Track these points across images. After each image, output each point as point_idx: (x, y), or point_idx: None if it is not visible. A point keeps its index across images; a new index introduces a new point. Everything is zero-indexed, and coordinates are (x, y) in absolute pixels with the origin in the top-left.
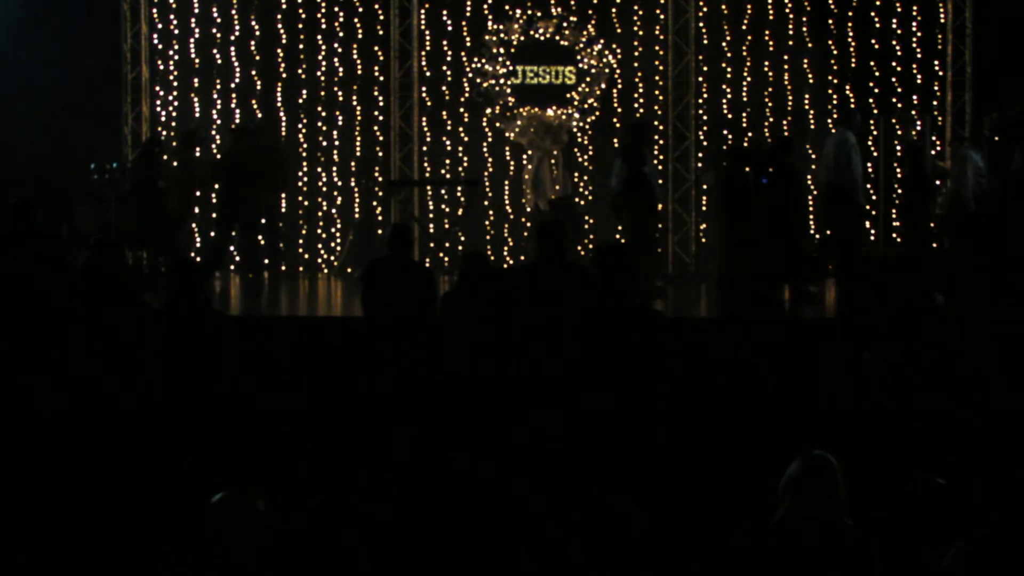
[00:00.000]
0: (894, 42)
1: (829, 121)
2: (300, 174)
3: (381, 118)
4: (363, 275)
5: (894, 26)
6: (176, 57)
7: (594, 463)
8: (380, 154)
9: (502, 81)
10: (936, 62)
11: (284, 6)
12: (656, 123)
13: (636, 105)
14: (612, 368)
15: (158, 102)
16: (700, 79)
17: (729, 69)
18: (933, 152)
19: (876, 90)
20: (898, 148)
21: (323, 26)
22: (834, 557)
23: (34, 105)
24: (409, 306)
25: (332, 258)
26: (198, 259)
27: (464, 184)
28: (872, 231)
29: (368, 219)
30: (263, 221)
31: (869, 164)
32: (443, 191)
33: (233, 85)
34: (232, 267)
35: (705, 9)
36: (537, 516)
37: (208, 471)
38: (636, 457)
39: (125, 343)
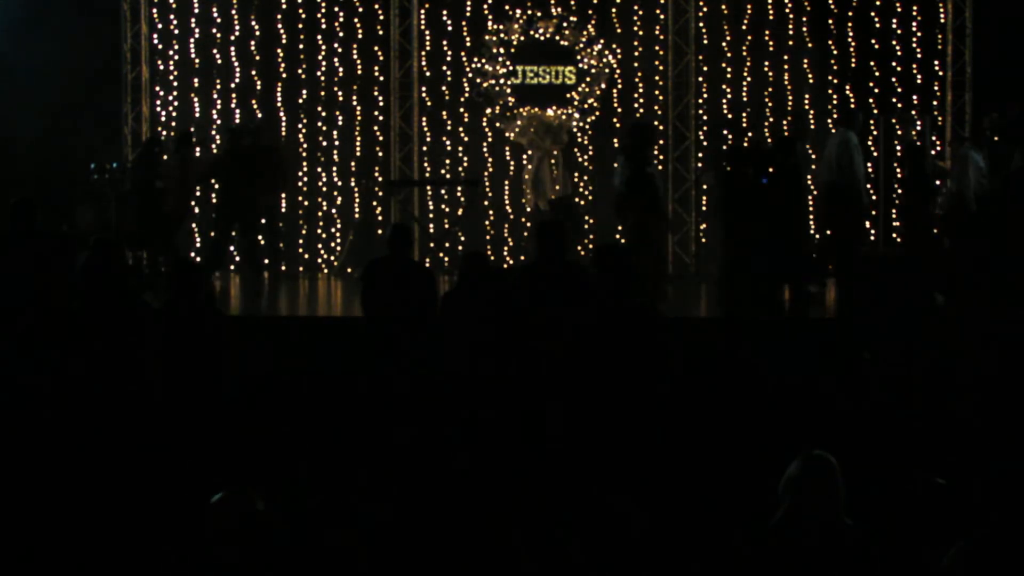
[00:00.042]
0: (894, 42)
1: (829, 121)
2: (300, 174)
3: (381, 118)
4: (363, 275)
5: (894, 26)
6: (176, 57)
7: (594, 463)
8: (380, 154)
9: (502, 81)
10: (936, 62)
11: (284, 6)
12: (656, 123)
13: (636, 105)
14: (612, 368)
15: (158, 102)
16: (700, 79)
17: (729, 69)
18: (933, 152)
19: (876, 90)
20: (898, 148)
21: (323, 26)
22: (834, 557)
23: (34, 105)
24: (409, 306)
25: (332, 258)
26: (198, 259)
27: (464, 184)
28: (872, 231)
29: (368, 219)
30: (263, 221)
31: (869, 164)
32: (443, 191)
33: (233, 85)
34: (232, 267)
35: (705, 9)
36: (537, 516)
37: (208, 471)
38: (636, 457)
39: (125, 343)
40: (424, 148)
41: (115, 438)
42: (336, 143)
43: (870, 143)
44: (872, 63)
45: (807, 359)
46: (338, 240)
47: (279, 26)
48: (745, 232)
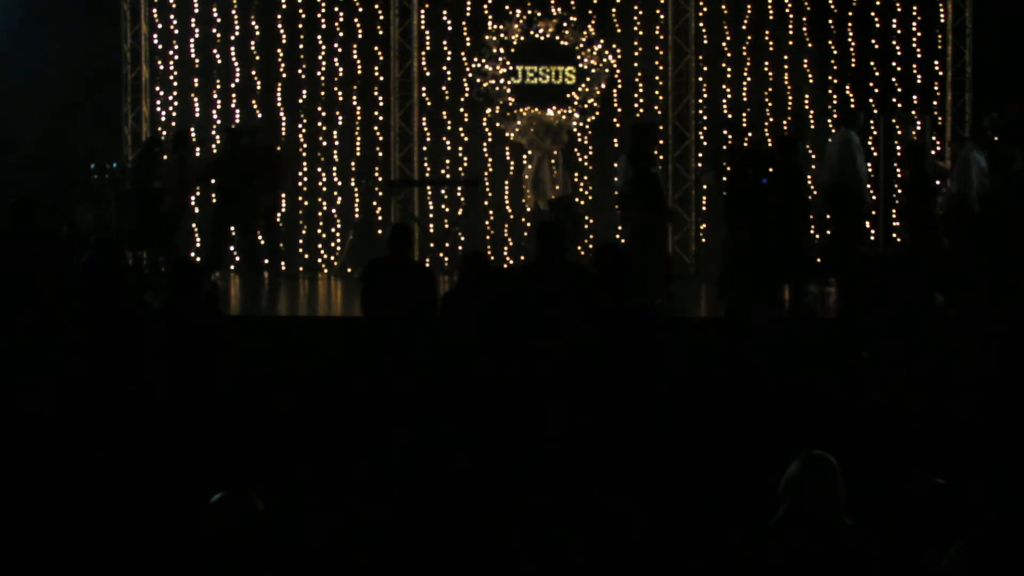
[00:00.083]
0: (894, 42)
1: (829, 121)
2: (300, 174)
3: (381, 118)
4: (363, 275)
5: (894, 26)
6: (176, 57)
7: (594, 463)
8: (380, 154)
9: (502, 81)
10: (936, 62)
11: (284, 6)
12: (656, 123)
13: (636, 105)
14: (612, 368)
15: (158, 102)
16: (700, 79)
17: (729, 69)
18: (933, 152)
19: (876, 90)
20: (898, 148)
21: (323, 26)
22: (834, 557)
23: (34, 105)
24: (409, 306)
25: (332, 258)
26: (198, 259)
27: (464, 184)
28: (872, 231)
29: (368, 219)
30: (262, 221)
31: (869, 164)
32: (443, 191)
33: (233, 85)
34: (232, 267)
35: (705, 9)
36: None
37: (208, 471)
38: (636, 457)
39: (125, 343)
40: (424, 148)
41: (115, 438)
42: (336, 143)
43: (870, 143)
44: (872, 63)
45: (807, 359)
46: (338, 240)
47: (279, 26)
48: (745, 232)
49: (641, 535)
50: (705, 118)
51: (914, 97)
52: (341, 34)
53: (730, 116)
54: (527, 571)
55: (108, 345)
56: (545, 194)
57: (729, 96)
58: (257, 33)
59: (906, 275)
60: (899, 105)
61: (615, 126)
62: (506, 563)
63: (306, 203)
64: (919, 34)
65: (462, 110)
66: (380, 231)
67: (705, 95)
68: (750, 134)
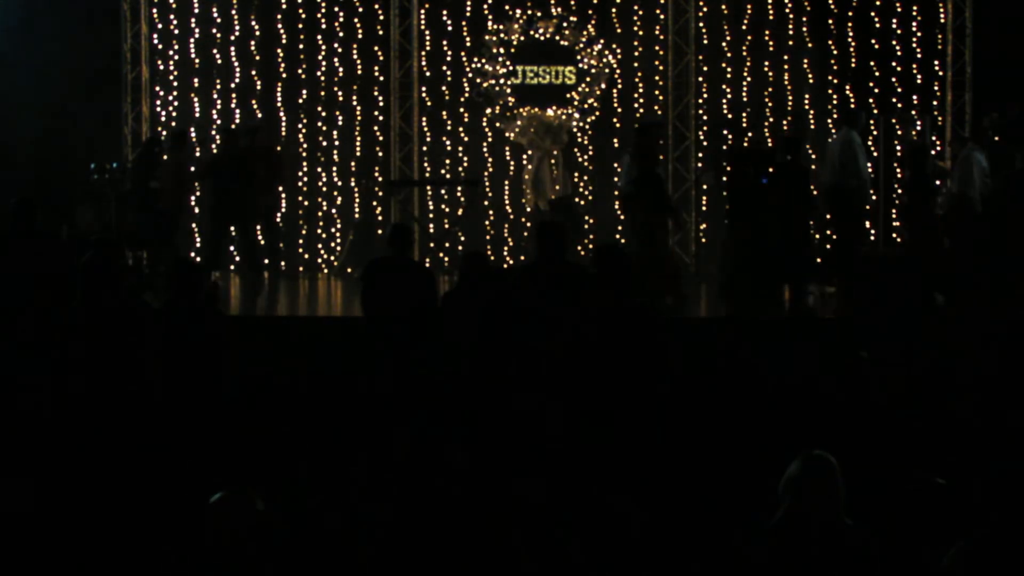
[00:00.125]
0: (894, 42)
1: (829, 121)
2: (300, 174)
3: (381, 118)
4: (363, 275)
5: (894, 26)
6: (176, 57)
7: (594, 462)
8: (380, 154)
9: (502, 81)
10: (936, 62)
11: (284, 6)
12: (660, 122)
13: (636, 105)
14: (612, 368)
15: (158, 102)
16: (700, 79)
17: (729, 69)
18: (933, 152)
19: (876, 90)
20: (898, 148)
21: (323, 26)
22: (834, 557)
23: (34, 105)
24: (409, 306)
25: (332, 258)
26: (197, 259)
27: (464, 184)
28: (872, 231)
29: (368, 219)
30: (262, 221)
31: (869, 164)
32: (443, 191)
33: (233, 85)
34: (232, 267)
35: (705, 9)
36: (537, 516)
37: (208, 471)
38: (636, 457)
39: (125, 343)
40: (424, 148)
41: (115, 438)
42: (336, 143)
43: (870, 143)
44: (872, 63)
45: (807, 359)
46: (338, 240)
47: (279, 26)
48: (745, 232)
49: (641, 535)
50: (705, 118)
51: (914, 97)
52: (341, 34)
53: (730, 116)
54: (527, 571)
55: (108, 345)
56: (545, 194)
57: (729, 96)
58: (257, 33)
59: (906, 275)
60: (899, 105)
61: (615, 126)
62: (506, 563)
63: (306, 203)
64: (919, 34)
65: (462, 110)
66: (380, 231)
67: (705, 95)
68: (750, 134)
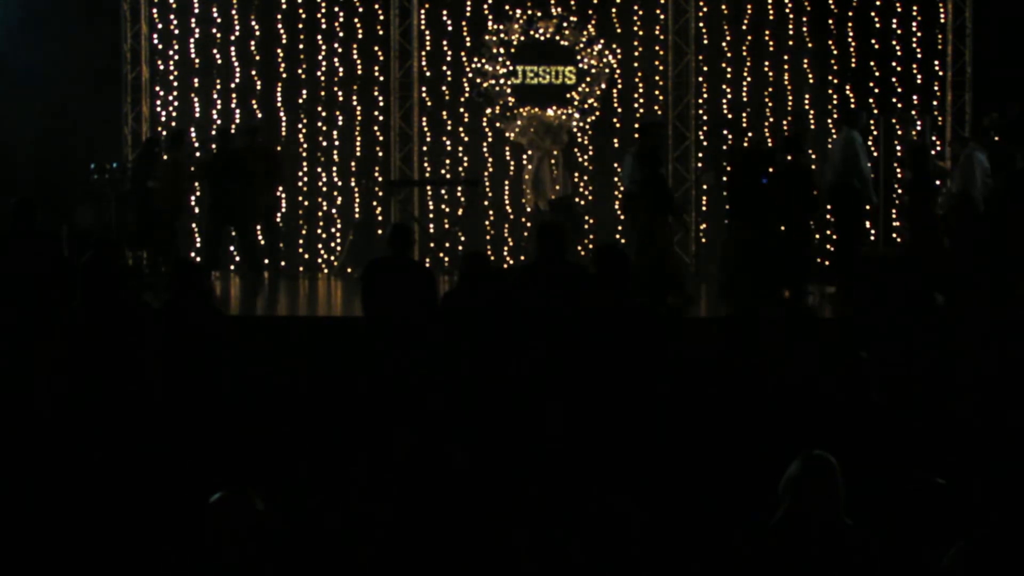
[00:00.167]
0: (894, 42)
1: (829, 121)
2: (300, 174)
3: (381, 118)
4: (363, 275)
5: (894, 26)
6: (176, 57)
7: (594, 462)
8: (380, 154)
9: (502, 81)
10: (936, 62)
11: (284, 6)
12: (662, 122)
13: (636, 105)
14: (612, 368)
15: (158, 102)
16: (700, 79)
17: (729, 69)
18: (933, 152)
19: (876, 90)
20: (898, 148)
21: (323, 26)
22: (834, 557)
23: (34, 105)
24: (409, 306)
25: (332, 258)
26: (197, 259)
27: (464, 184)
28: (872, 231)
29: (368, 219)
30: (263, 221)
31: (869, 164)
32: (443, 191)
33: (233, 85)
34: (232, 267)
35: (705, 9)
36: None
37: (208, 471)
38: (636, 457)
39: (125, 343)
40: (424, 148)
41: (115, 438)
42: (336, 143)
43: (871, 143)
44: (872, 63)
45: (807, 359)
46: (338, 240)
47: (279, 26)
48: (745, 232)
49: (641, 535)
50: (705, 118)
51: (914, 97)
52: (341, 34)
53: (730, 116)
54: (527, 571)
55: (108, 345)
56: (545, 194)
57: (729, 96)
58: (257, 33)
59: (906, 275)
60: (899, 105)
61: (615, 126)
62: (506, 563)
63: (306, 203)
64: (919, 34)
65: (462, 110)
66: (380, 231)
67: (705, 95)
68: (750, 134)
